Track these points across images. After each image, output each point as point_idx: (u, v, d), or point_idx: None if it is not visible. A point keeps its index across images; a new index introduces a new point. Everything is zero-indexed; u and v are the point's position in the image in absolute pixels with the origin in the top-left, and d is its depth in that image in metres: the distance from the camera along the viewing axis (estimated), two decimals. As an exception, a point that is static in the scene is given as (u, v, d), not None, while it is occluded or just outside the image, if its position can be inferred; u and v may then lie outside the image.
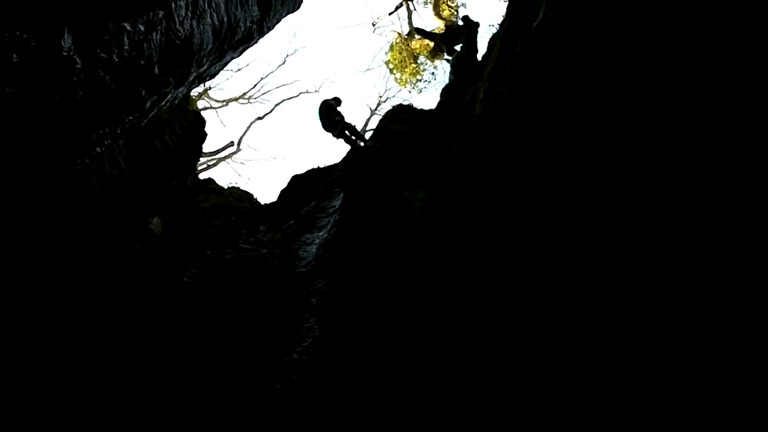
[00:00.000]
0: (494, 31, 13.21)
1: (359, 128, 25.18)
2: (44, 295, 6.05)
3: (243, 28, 8.17)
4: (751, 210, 2.89)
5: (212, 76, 9.34)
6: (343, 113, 13.57)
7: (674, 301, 3.22)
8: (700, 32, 3.39)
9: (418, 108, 12.63)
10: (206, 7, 6.55)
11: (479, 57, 13.76)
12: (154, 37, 5.67)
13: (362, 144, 12.71)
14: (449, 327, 4.70)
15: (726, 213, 3.04)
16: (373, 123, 26.06)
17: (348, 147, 12.85)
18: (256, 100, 29.32)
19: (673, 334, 3.17)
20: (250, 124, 29.04)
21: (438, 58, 21.06)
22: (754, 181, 2.90)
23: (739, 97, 3.09)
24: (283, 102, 30.00)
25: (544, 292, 4.27)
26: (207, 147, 17.00)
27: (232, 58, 9.22)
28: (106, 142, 6.30)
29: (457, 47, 16.38)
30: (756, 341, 2.71)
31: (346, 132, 13.38)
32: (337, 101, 13.73)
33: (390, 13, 22.74)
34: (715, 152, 3.21)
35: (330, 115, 13.32)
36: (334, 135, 13.43)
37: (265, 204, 10.80)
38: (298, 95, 32.43)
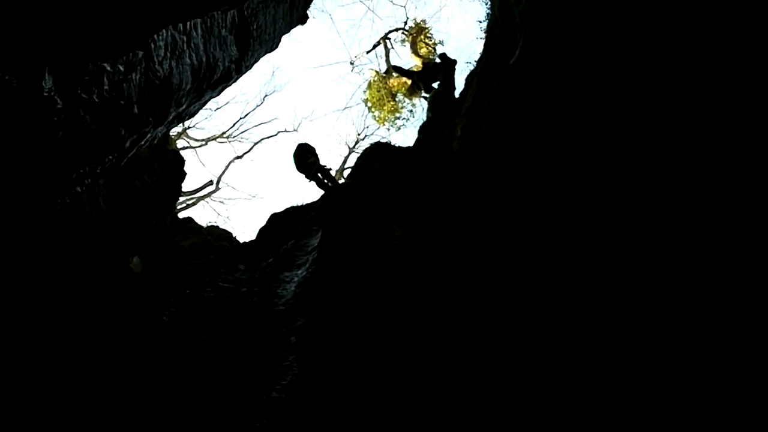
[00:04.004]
0: (471, 68, 13.43)
1: (337, 166, 25.18)
2: (24, 334, 5.97)
3: (222, 68, 8.25)
4: (750, 209, 2.94)
5: (191, 116, 9.38)
6: (318, 156, 13.44)
7: (673, 301, 3.26)
8: (675, 62, 3.51)
9: (396, 145, 12.71)
10: (185, 47, 6.62)
11: (457, 94, 13.96)
12: (133, 77, 5.72)
13: (335, 186, 12.60)
14: (429, 364, 4.71)
15: (724, 213, 3.09)
16: (352, 161, 26.19)
17: (320, 191, 12.82)
18: (235, 139, 29.24)
19: (672, 333, 3.20)
20: (229, 163, 28.91)
21: (416, 96, 21.28)
22: (753, 181, 2.95)
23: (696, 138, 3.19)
24: (262, 141, 29.80)
25: (528, 318, 4.32)
26: (186, 186, 16.96)
27: (211, 97, 9.27)
28: (86, 182, 6.30)
29: (435, 85, 16.58)
30: (755, 340, 2.74)
31: (319, 175, 13.26)
32: (310, 149, 13.49)
33: (368, 52, 23.01)
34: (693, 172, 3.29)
35: (304, 157, 13.20)
36: (307, 177, 13.28)
37: (244, 242, 10.80)
38: (276, 134, 32.37)
